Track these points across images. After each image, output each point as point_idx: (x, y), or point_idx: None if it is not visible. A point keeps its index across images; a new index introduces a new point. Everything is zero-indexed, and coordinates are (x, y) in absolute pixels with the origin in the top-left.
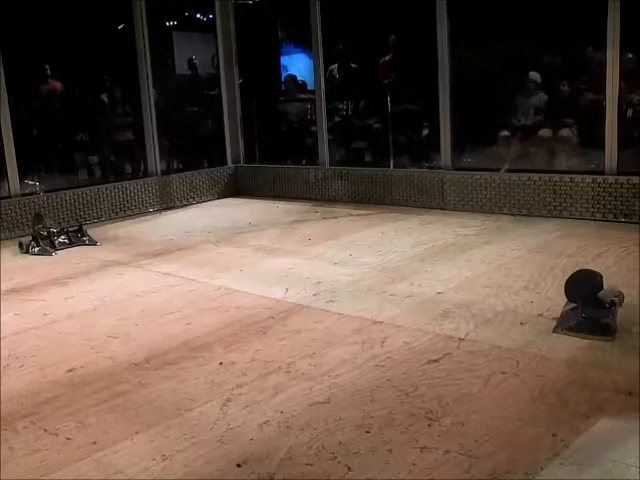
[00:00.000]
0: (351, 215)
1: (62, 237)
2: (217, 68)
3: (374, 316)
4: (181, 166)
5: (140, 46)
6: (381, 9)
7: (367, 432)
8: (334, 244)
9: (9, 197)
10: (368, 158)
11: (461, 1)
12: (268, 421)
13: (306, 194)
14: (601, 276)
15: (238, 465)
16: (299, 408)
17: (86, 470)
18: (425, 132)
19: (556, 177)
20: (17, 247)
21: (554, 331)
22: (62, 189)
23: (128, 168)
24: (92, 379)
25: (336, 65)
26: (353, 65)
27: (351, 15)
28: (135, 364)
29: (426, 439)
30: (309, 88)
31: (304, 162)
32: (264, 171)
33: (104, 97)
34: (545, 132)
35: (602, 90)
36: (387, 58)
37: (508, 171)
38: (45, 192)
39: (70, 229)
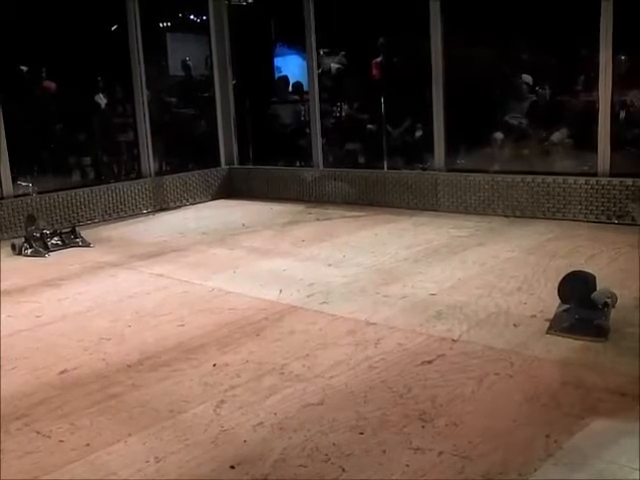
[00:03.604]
0: (345, 217)
1: (55, 239)
2: (211, 69)
3: (368, 317)
4: (175, 167)
5: (133, 47)
6: (374, 10)
7: (361, 433)
8: (328, 245)
9: (2, 198)
10: (362, 160)
11: (454, 3)
12: (262, 422)
13: (300, 196)
14: (594, 277)
15: (232, 467)
16: (293, 409)
17: (79, 472)
18: (419, 133)
19: (549, 179)
20: (10, 249)
21: (547, 332)
22: (55, 190)
23: (121, 169)
24: (85, 381)
25: (330, 66)
26: (346, 67)
27: (345, 16)
28: (128, 366)
29: (420, 440)
30: (302, 90)
31: (298, 164)
32: (258, 173)
33: (97, 98)
34: (539, 134)
35: (595, 92)
36: (379, 60)
37: (500, 172)
38: (38, 193)
39: (63, 230)
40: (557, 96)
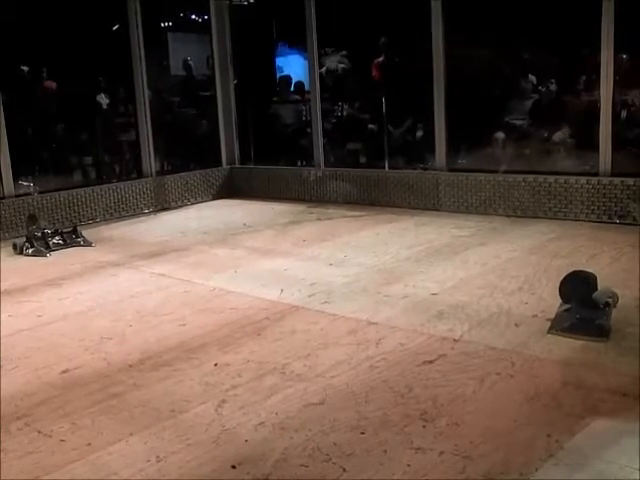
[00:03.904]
0: (346, 216)
1: (56, 238)
2: (212, 69)
3: (369, 317)
4: (176, 167)
5: (135, 47)
6: (376, 10)
7: (362, 433)
8: (329, 245)
9: (3, 198)
10: (363, 159)
11: (455, 2)
12: (263, 422)
13: (301, 195)
14: (595, 277)
15: (233, 466)
16: (294, 409)
17: (80, 472)
18: (420, 133)
19: (551, 178)
20: (11, 248)
21: (549, 332)
22: (56, 190)
23: (123, 169)
24: (86, 380)
25: (332, 66)
26: (348, 66)
27: (346, 16)
28: (130, 365)
29: (421, 440)
30: (304, 89)
31: (299, 163)
32: (259, 172)
33: (99, 98)
34: (540, 133)
35: (596, 91)
36: (380, 59)
37: (502, 172)
38: (39, 193)
39: (64, 230)
40: (558, 96)
